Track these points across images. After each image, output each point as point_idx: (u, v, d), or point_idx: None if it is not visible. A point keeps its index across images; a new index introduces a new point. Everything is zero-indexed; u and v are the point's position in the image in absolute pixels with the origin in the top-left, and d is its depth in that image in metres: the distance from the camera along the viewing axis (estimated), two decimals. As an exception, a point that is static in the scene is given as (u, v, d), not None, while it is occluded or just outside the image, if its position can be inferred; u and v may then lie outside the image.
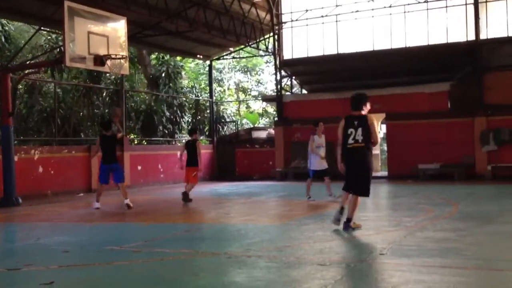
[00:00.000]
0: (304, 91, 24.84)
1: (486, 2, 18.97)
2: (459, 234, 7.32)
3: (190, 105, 26.05)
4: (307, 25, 21.74)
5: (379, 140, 7.85)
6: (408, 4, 19.84)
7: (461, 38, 19.31)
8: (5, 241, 8.54)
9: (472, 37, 19.10)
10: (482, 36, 19.04)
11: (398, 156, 19.95)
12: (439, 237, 7.10)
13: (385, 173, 21.37)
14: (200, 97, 27.02)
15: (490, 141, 18.56)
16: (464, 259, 5.81)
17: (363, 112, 7.84)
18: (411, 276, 4.99)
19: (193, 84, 29.06)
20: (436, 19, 19.66)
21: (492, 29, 18.97)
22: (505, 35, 18.60)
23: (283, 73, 23.23)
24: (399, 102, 19.89)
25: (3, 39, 19.29)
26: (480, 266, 5.47)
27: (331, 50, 21.17)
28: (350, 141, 7.64)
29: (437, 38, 19.51)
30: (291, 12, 22.10)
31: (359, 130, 7.59)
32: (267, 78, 34.79)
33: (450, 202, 11.35)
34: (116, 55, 12.36)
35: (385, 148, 22.66)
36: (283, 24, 22.44)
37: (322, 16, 21.19)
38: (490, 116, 18.64)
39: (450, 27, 19.45)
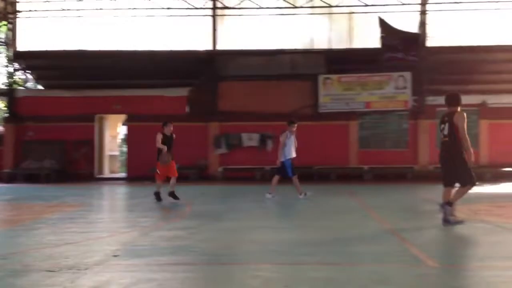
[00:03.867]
0: (40, 87, 23.25)
1: (223, 15, 20.50)
2: (190, 232, 7.70)
3: None
4: (46, 16, 20.49)
5: (463, 135, 7.90)
6: (152, 9, 20.22)
7: (201, 47, 20.47)
8: None
9: (210, 46, 20.40)
10: (219, 46, 20.48)
11: (138, 157, 20.12)
12: (172, 235, 7.36)
13: (124, 175, 21.34)
14: None
15: (222, 144, 20.10)
16: (194, 255, 6.13)
17: (457, 109, 8.04)
18: (142, 275, 5.06)
19: None
20: (179, 26, 20.47)
21: (228, 41, 20.55)
22: (238, 47, 20.32)
23: (17, 65, 21.38)
24: (141, 104, 20.11)
25: None
26: (208, 261, 5.84)
27: (73, 46, 20.30)
28: (440, 135, 8.12)
29: (180, 44, 20.28)
30: (29, 1, 20.53)
31: (447, 126, 7.95)
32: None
33: (184, 202, 11.87)
34: None
35: (125, 149, 22.66)
36: (18, 13, 20.70)
37: (64, 10, 20.22)
38: (223, 121, 20.16)
39: (192, 35, 20.44)
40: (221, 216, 9.61)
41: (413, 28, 19.75)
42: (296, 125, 12.76)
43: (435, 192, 14.63)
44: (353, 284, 4.75)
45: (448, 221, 7.83)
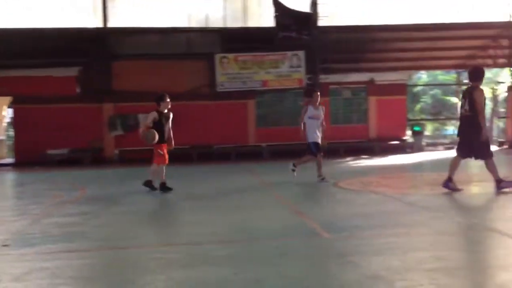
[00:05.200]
0: None
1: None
2: (84, 217, 7.41)
3: None
4: None
5: (480, 110, 8.11)
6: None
7: (91, 24, 19.56)
8: None
9: (100, 24, 19.55)
10: (110, 24, 19.68)
11: (26, 142, 19.03)
12: (64, 222, 7.04)
13: (11, 160, 20.13)
14: None
15: (118, 126, 19.50)
16: (89, 241, 5.90)
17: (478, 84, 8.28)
18: (35, 265, 4.79)
19: None
20: (66, 2, 19.42)
21: (121, 19, 19.80)
22: (131, 25, 19.66)
23: None
24: (27, 85, 18.93)
25: None
26: (104, 247, 5.65)
27: None
28: (462, 110, 8.36)
29: (68, 21, 19.24)
30: None
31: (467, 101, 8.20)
32: None
33: (77, 186, 11.41)
34: None
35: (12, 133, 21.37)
36: None
37: None
38: (118, 102, 19.52)
39: (80, 12, 19.48)
40: (117, 200, 9.35)
41: (306, 8, 20.19)
42: (318, 93, 10.88)
43: (330, 167, 15.25)
44: (254, 259, 4.81)
45: (502, 187, 8.13)
